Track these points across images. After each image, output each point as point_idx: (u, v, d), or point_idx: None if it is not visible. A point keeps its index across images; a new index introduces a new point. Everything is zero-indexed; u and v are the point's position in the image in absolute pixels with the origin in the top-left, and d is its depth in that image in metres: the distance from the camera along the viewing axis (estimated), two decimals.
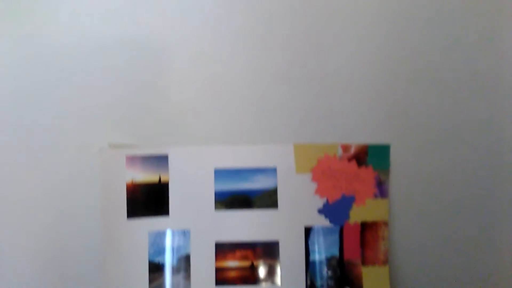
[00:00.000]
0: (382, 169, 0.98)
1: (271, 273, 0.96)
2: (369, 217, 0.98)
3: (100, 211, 0.93)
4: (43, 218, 0.98)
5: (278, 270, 0.96)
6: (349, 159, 0.97)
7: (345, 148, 0.97)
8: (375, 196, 0.98)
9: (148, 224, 0.95)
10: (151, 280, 0.94)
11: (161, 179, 0.96)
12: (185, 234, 0.96)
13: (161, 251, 0.96)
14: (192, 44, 0.96)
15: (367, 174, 0.98)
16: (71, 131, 0.96)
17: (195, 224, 0.96)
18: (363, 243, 0.98)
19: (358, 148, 0.97)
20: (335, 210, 0.97)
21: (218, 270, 0.95)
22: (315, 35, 0.97)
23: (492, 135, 0.98)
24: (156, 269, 0.95)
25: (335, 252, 0.97)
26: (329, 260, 0.97)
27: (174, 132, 0.97)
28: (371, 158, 0.97)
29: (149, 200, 0.96)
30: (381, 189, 0.98)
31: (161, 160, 0.96)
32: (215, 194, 0.96)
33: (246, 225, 0.96)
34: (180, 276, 0.95)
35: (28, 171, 0.96)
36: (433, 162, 0.99)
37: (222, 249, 0.96)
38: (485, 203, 1.00)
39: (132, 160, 0.95)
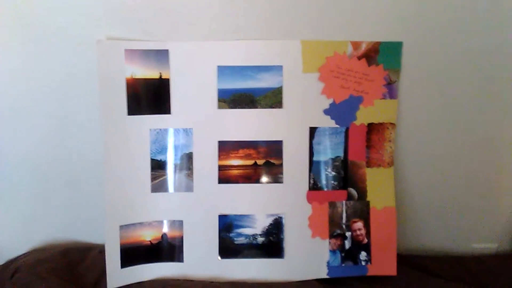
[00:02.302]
0: (393, 68, 0.93)
1: (274, 172, 0.95)
2: (377, 119, 0.95)
3: (99, 106, 0.90)
4: (43, 116, 0.96)
5: (282, 170, 0.95)
6: (359, 58, 0.93)
7: (356, 45, 0.92)
8: (384, 96, 0.94)
9: (150, 121, 0.93)
10: (153, 178, 0.94)
11: (162, 76, 0.92)
12: (187, 132, 0.94)
13: (163, 149, 0.94)
14: None
15: (377, 73, 0.93)
16: (69, 24, 0.90)
17: (197, 122, 0.94)
18: (368, 145, 0.96)
19: (369, 46, 0.92)
20: (342, 111, 0.94)
21: (221, 168, 0.94)
22: None
23: (507, 32, 0.93)
24: (158, 166, 0.94)
25: (340, 153, 0.96)
26: (333, 160, 0.96)
27: (175, 26, 0.91)
28: (382, 56, 0.93)
29: (150, 97, 0.93)
30: (391, 89, 0.94)
31: (162, 55, 0.91)
32: (218, 92, 0.93)
33: (249, 124, 0.94)
34: (183, 174, 0.95)
35: (26, 65, 0.92)
36: (446, 61, 0.94)
37: (225, 148, 0.94)
38: (494, 106, 0.97)
39: (131, 54, 0.90)
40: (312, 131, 0.94)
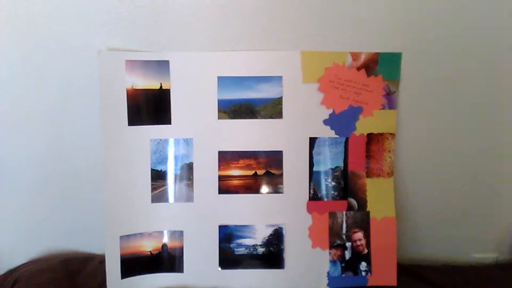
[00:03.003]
0: (392, 78, 0.94)
1: (274, 182, 0.95)
2: (376, 129, 0.95)
3: (100, 116, 0.91)
4: (43, 125, 0.96)
5: (282, 180, 0.95)
6: (358, 68, 0.93)
7: (355, 56, 0.93)
8: (383, 107, 0.95)
9: (150, 131, 0.93)
10: (153, 188, 0.94)
11: (162, 86, 0.93)
12: (187, 142, 0.94)
13: (164, 159, 0.94)
14: None
15: (376, 84, 0.94)
16: (69, 34, 0.90)
17: (197, 133, 0.94)
18: (368, 155, 0.96)
19: (368, 56, 0.93)
20: (341, 121, 0.95)
21: (221, 179, 0.94)
22: None
23: (504, 45, 0.94)
24: (158, 176, 0.94)
25: (340, 163, 0.96)
26: (333, 171, 0.96)
27: (175, 37, 0.92)
28: (381, 67, 0.93)
29: (150, 107, 0.93)
30: (390, 100, 0.95)
31: (162, 66, 0.92)
32: (218, 102, 0.93)
33: (249, 135, 0.94)
34: (183, 184, 0.95)
35: (27, 75, 0.92)
36: (445, 72, 0.94)
37: (225, 158, 0.94)
38: (494, 116, 0.98)
39: (132, 64, 0.91)
40: (312, 141, 0.95)
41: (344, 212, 0.96)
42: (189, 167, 0.94)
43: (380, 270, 0.96)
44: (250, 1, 0.89)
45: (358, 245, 0.96)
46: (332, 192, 0.96)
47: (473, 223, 1.04)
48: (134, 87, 0.92)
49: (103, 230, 0.92)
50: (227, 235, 0.95)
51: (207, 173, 0.94)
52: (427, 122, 0.97)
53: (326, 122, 0.94)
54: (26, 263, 1.00)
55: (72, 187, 1.00)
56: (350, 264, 0.96)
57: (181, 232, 0.95)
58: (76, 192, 1.00)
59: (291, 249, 0.95)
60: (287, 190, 0.95)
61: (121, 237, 0.93)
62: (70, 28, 0.90)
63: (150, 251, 0.95)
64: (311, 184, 0.95)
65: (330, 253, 0.96)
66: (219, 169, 0.94)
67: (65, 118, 0.96)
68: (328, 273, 0.96)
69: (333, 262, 0.96)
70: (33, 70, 0.93)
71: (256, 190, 0.95)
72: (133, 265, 0.94)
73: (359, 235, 0.96)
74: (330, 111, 0.94)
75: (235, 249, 0.95)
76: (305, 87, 0.93)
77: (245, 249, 0.95)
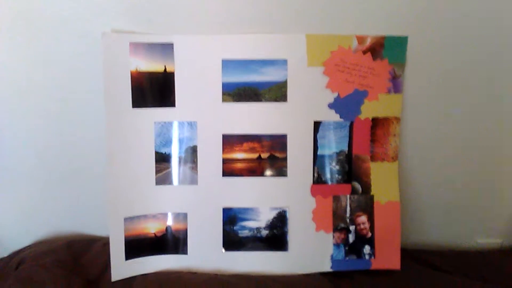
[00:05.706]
0: (398, 62, 0.93)
1: (278, 165, 0.95)
2: (381, 113, 0.95)
3: (104, 98, 0.90)
4: (47, 108, 0.96)
5: (286, 163, 0.95)
6: (364, 52, 0.93)
7: (361, 39, 0.92)
8: (389, 91, 0.94)
9: (154, 114, 0.93)
10: (157, 170, 0.94)
11: (167, 69, 0.92)
12: (192, 125, 0.94)
13: (168, 142, 0.94)
14: None
15: (382, 67, 0.93)
16: (74, 16, 0.90)
17: (202, 116, 0.94)
18: (373, 139, 0.96)
19: (374, 40, 0.92)
20: (346, 105, 0.94)
21: (225, 162, 0.95)
22: None
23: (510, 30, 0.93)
24: (162, 159, 0.94)
25: (344, 147, 0.96)
26: (337, 154, 0.96)
27: (180, 19, 0.91)
28: (387, 50, 0.92)
29: (154, 90, 0.93)
30: (396, 84, 0.94)
31: (166, 49, 0.91)
32: (223, 85, 0.93)
33: (254, 118, 0.94)
34: (187, 167, 0.95)
35: (30, 58, 0.92)
36: (451, 56, 0.94)
37: (229, 141, 0.94)
38: (499, 101, 0.97)
39: (136, 47, 0.90)
40: (317, 125, 0.95)
41: (348, 196, 0.96)
42: (193, 150, 0.94)
43: (383, 254, 0.96)
44: None
45: (362, 229, 0.96)
46: (336, 175, 0.96)
47: (478, 208, 1.04)
48: (138, 70, 0.91)
49: (107, 212, 0.92)
50: (231, 217, 0.95)
51: (211, 156, 0.94)
52: (432, 106, 0.97)
53: (331, 105, 0.94)
54: (31, 245, 1.01)
55: (77, 169, 1.00)
56: (353, 247, 0.96)
57: (185, 214, 0.95)
58: (81, 174, 1.00)
59: (294, 232, 0.96)
60: (291, 173, 0.95)
61: (125, 219, 0.93)
62: (74, 11, 0.90)
63: (154, 233, 0.95)
64: (315, 167, 0.95)
65: (333, 236, 0.96)
66: (223, 152, 0.94)
67: (69, 100, 0.95)
68: (331, 256, 0.96)
69: (336, 245, 0.96)
70: (37, 53, 0.92)
71: (260, 173, 0.95)
72: (137, 246, 0.94)
73: (362, 218, 0.96)
74: (335, 94, 0.94)
75: (239, 232, 0.95)
76: (310, 70, 0.93)
77: (249, 232, 0.96)
